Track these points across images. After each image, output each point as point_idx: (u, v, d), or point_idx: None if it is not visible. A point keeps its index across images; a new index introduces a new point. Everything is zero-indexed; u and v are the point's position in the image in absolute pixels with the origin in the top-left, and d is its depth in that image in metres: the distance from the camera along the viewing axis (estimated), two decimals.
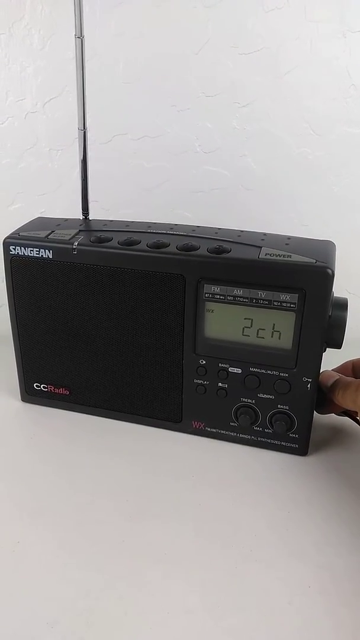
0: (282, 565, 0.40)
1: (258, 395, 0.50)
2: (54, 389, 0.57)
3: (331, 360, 0.51)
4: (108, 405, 0.56)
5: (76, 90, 0.46)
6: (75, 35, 0.44)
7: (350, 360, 0.52)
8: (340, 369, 0.52)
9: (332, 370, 0.52)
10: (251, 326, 0.48)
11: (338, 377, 0.49)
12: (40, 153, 0.68)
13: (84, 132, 0.49)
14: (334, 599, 0.37)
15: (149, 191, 0.69)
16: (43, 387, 0.57)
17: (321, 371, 0.49)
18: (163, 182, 0.69)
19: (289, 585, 0.38)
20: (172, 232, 0.51)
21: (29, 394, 0.58)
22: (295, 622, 0.36)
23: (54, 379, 0.56)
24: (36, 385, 0.57)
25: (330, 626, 0.36)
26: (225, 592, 0.38)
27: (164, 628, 0.35)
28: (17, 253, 0.51)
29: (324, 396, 0.49)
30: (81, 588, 0.38)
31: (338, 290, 0.47)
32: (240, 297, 0.47)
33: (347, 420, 0.55)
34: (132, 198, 0.69)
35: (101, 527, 0.43)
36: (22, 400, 0.59)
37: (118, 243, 0.49)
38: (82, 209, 0.55)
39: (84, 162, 0.52)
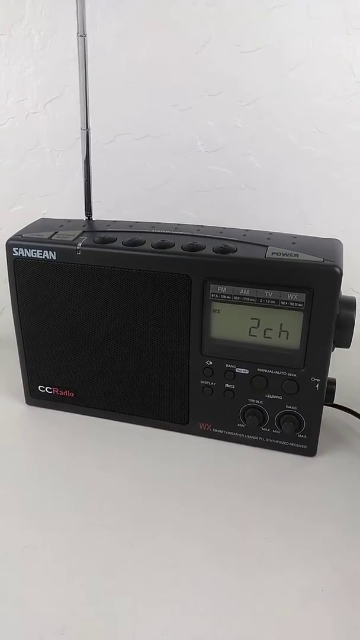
0: (294, 568, 0.39)
1: (266, 395, 0.49)
2: (58, 392, 0.56)
3: (340, 360, 0.51)
4: (113, 407, 0.55)
5: (78, 89, 0.46)
6: (77, 33, 0.43)
7: None
8: None
9: None
10: (258, 326, 0.47)
11: None
12: (42, 154, 0.68)
13: (87, 132, 0.49)
14: (348, 602, 0.37)
15: (152, 191, 0.68)
16: (48, 389, 0.57)
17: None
18: (166, 182, 0.68)
19: (301, 588, 0.38)
20: (176, 232, 0.51)
21: (33, 397, 0.58)
22: (309, 626, 0.35)
23: (58, 381, 0.56)
24: (40, 388, 0.57)
25: (345, 629, 0.35)
26: (237, 597, 0.37)
27: (175, 634, 0.35)
28: (21, 255, 0.50)
29: None
30: (91, 593, 0.37)
31: (344, 289, 0.46)
32: (247, 296, 0.46)
33: (355, 420, 0.54)
34: (135, 198, 0.68)
35: (109, 531, 0.42)
36: (27, 404, 0.58)
37: (122, 243, 0.49)
38: (85, 210, 0.55)
39: (87, 162, 0.52)
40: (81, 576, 0.39)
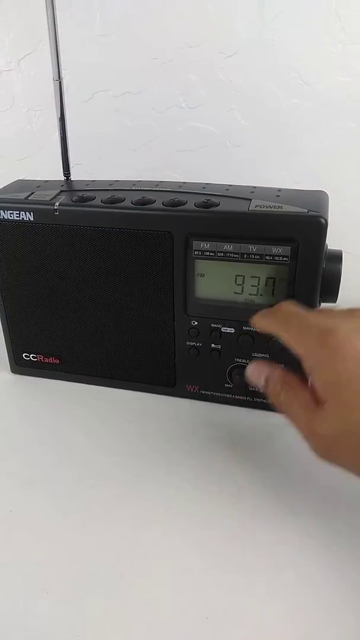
0: (283, 521, 0.39)
1: (253, 354, 0.48)
2: (43, 359, 0.55)
3: None
4: (99, 372, 0.54)
5: (48, 34, 0.43)
6: None
7: None
8: None
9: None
10: (243, 283, 0.46)
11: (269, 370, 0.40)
12: (18, 114, 0.65)
13: (60, 83, 0.46)
14: (336, 552, 0.37)
15: (134, 151, 0.66)
16: (32, 357, 0.56)
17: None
18: (148, 141, 0.66)
19: (290, 540, 0.38)
20: (158, 189, 0.49)
21: (18, 365, 0.57)
22: (297, 576, 0.35)
23: (43, 348, 0.55)
24: (25, 356, 0.56)
25: (333, 578, 0.35)
26: (224, 551, 0.37)
27: (161, 588, 0.35)
28: None
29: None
30: (76, 552, 0.37)
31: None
32: (231, 252, 0.45)
33: None
34: (117, 159, 0.66)
35: (95, 492, 0.42)
36: (12, 372, 0.57)
37: (101, 201, 0.47)
38: (63, 169, 0.53)
39: (62, 117, 0.49)
40: (67, 537, 0.38)
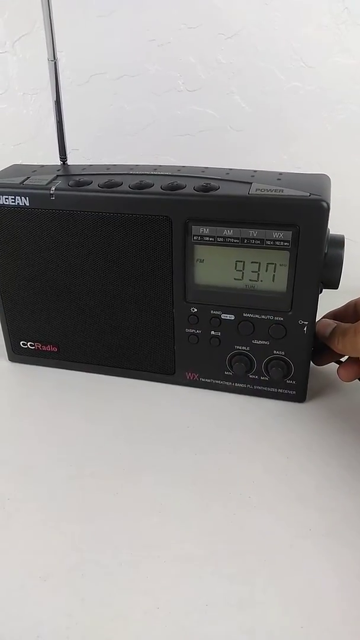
0: (282, 509, 0.39)
1: (253, 341, 0.48)
2: (41, 347, 0.55)
3: (327, 302, 0.49)
4: (98, 360, 0.54)
5: (42, 11, 0.42)
6: None
7: (352, 300, 0.50)
8: (342, 310, 0.50)
9: (334, 310, 0.50)
10: (243, 269, 0.45)
11: (336, 324, 0.47)
12: (13, 98, 0.64)
13: (55, 64, 0.45)
14: (335, 541, 0.36)
15: (132, 136, 0.65)
16: (30, 345, 0.55)
17: (318, 319, 0.47)
18: (147, 125, 0.65)
19: (289, 528, 0.37)
20: (156, 173, 0.48)
21: (16, 353, 0.56)
22: (296, 565, 0.35)
23: (40, 336, 0.54)
24: (22, 344, 0.55)
25: (331, 567, 0.35)
26: (224, 539, 0.37)
27: (161, 577, 0.34)
28: None
29: (321, 346, 0.48)
30: (74, 541, 0.37)
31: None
32: (231, 237, 0.44)
33: None
34: (115, 144, 0.65)
35: (94, 480, 0.42)
36: (10, 360, 0.57)
37: (98, 186, 0.46)
38: (60, 154, 0.52)
39: (57, 100, 0.48)
40: (65, 525, 0.38)
